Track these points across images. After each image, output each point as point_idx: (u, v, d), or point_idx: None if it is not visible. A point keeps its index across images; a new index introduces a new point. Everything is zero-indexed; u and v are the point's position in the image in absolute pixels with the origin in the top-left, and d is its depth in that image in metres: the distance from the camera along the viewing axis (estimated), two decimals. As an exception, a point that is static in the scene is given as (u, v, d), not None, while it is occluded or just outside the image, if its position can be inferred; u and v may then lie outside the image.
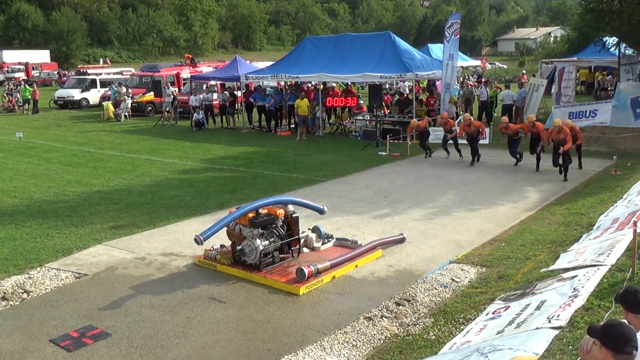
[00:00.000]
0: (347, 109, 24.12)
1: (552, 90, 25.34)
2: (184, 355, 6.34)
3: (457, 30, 20.66)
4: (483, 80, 28.28)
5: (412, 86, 22.81)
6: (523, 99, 23.06)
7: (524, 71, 39.25)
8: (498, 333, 5.45)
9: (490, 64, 64.21)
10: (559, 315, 5.27)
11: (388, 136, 18.84)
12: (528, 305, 5.94)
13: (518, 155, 15.90)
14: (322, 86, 23.73)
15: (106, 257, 9.36)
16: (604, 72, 31.97)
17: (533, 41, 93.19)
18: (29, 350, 6.48)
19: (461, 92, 26.04)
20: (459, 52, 23.98)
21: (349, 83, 24.97)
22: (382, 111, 22.20)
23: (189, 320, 7.16)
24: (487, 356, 4.61)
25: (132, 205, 12.40)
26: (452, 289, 7.95)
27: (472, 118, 17.02)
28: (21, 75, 53.37)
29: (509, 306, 6.23)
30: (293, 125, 23.66)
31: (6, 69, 58.85)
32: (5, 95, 35.38)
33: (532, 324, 5.24)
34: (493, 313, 6.26)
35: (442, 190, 13.35)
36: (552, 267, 7.45)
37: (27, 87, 33.84)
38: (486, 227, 10.55)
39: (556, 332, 5.03)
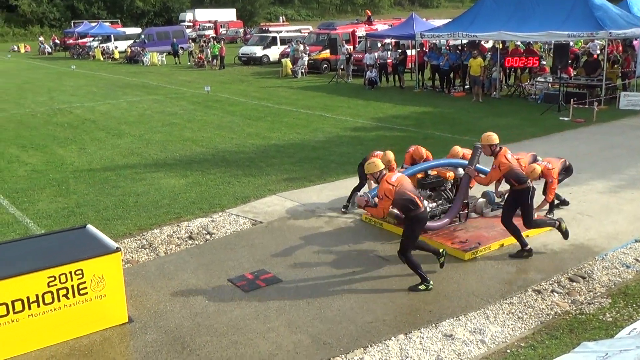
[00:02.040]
0: (527, 70, 22.72)
1: None
2: (347, 307, 6.57)
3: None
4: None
5: (605, 45, 20.78)
6: None
7: None
8: (689, 323, 4.91)
9: None
10: None
11: (572, 100, 17.48)
12: None
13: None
14: (501, 45, 22.54)
15: (279, 207, 9.90)
16: None
17: None
18: (210, 287, 7.13)
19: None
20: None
21: (531, 42, 23.40)
22: (567, 73, 20.56)
23: (353, 274, 7.37)
24: (673, 347, 4.17)
25: (305, 160, 12.92)
26: (636, 270, 7.29)
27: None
28: (210, 33, 57.34)
29: None
30: (468, 86, 22.88)
31: (198, 26, 63.59)
32: (197, 51, 38.34)
33: None
34: (684, 301, 5.65)
35: (632, 161, 12.16)
36: None
37: (216, 44, 36.37)
38: (682, 206, 9.46)
39: None
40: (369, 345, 5.84)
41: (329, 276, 7.31)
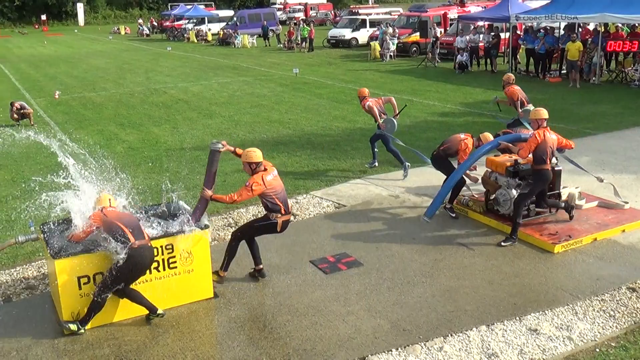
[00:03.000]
0: (631, 55, 21.34)
1: None
2: (428, 294, 6.50)
3: None
4: None
5: None
6: None
7: None
8: None
9: None
10: None
11: (680, 87, 16.32)
12: None
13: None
14: (602, 28, 21.28)
15: (363, 191, 9.90)
16: None
17: None
18: (292, 267, 7.26)
19: None
20: None
21: (636, 25, 21.94)
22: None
23: (436, 262, 7.27)
24: None
25: (391, 144, 12.79)
26: None
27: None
28: (301, 15, 57.66)
29: None
30: (564, 71, 21.82)
31: (288, 9, 64.10)
32: (286, 33, 38.71)
33: None
34: None
35: None
36: None
37: (305, 26, 36.57)
38: None
39: None
40: (449, 335, 5.76)
41: (411, 262, 7.25)
